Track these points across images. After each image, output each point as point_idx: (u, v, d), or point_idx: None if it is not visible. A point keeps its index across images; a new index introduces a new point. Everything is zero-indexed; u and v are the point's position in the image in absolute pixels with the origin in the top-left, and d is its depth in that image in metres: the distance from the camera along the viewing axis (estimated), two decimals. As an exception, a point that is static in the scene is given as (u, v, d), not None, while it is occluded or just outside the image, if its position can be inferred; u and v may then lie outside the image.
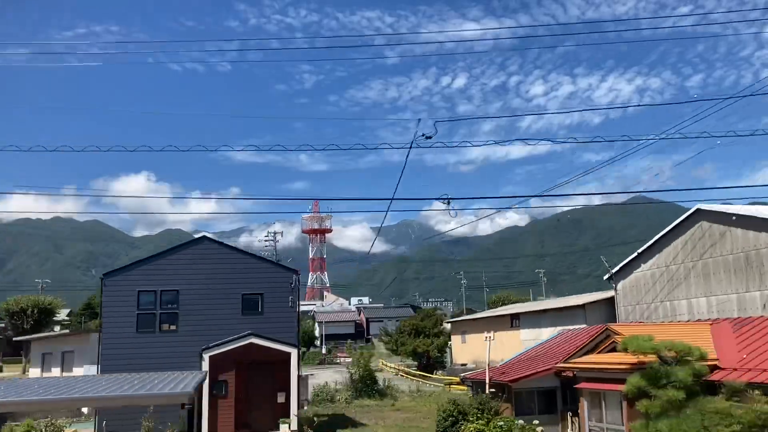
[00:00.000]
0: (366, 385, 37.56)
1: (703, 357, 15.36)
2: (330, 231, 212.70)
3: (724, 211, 28.74)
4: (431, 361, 51.24)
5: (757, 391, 14.04)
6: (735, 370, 16.27)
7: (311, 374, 51.84)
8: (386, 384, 39.42)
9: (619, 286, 35.27)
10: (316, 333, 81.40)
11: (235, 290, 24.46)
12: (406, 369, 51.82)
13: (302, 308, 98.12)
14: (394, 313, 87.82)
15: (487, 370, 22.58)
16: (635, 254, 34.36)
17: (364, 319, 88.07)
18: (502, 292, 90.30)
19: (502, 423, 19.07)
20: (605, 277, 37.19)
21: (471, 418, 20.08)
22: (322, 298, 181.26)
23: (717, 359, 17.09)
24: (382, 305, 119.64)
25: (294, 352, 23.34)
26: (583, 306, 37.54)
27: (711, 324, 21.54)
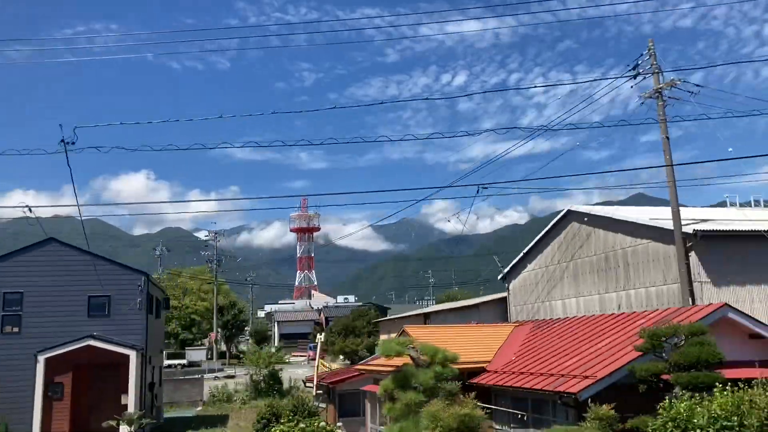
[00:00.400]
0: (269, 385, 37.71)
1: (450, 359, 15.41)
2: (318, 229, 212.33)
3: (587, 212, 28.81)
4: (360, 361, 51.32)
5: (472, 394, 14.12)
6: (496, 372, 16.36)
7: (234, 374, 51.98)
8: (292, 384, 39.59)
9: (511, 286, 35.36)
10: (276, 332, 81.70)
11: (81, 292, 24.65)
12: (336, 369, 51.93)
13: (268, 309, 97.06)
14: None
15: (315, 373, 22.76)
16: (521, 254, 34.43)
17: (324, 319, 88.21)
18: (455, 291, 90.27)
19: (303, 425, 19.19)
20: (499, 277, 37.29)
21: (283, 420, 20.19)
22: (309, 296, 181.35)
23: (488, 361, 17.16)
24: (361, 304, 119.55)
25: (133, 354, 23.53)
26: (477, 306, 37.70)
27: (517, 325, 21.57)
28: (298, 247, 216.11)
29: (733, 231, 22.74)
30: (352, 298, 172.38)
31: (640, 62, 25.09)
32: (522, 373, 15.19)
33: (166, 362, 58.21)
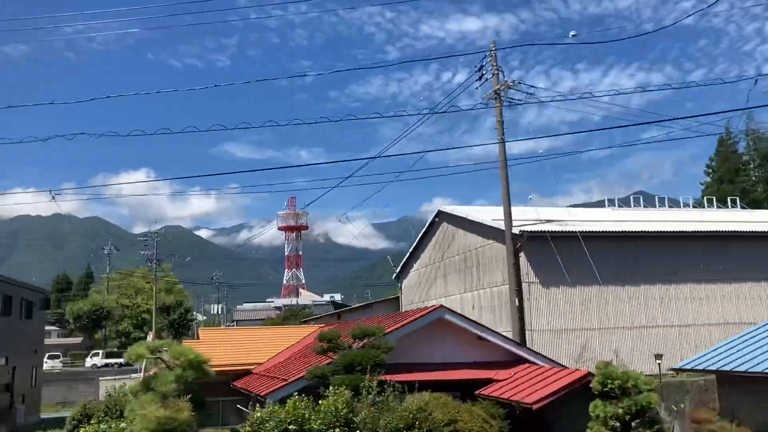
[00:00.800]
0: (167, 384, 37.71)
1: (199, 362, 15.49)
2: (306, 228, 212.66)
3: (450, 212, 28.83)
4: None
5: (189, 396, 14.20)
6: (254, 374, 16.50)
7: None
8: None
9: (403, 284, 35.43)
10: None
11: None
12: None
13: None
14: (317, 311, 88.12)
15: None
16: (408, 254, 34.49)
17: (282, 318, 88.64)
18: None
19: (104, 426, 19.29)
20: (393, 276, 37.35)
21: (93, 422, 20.25)
22: (297, 295, 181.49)
23: (258, 364, 17.25)
24: (327, 302, 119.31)
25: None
26: (371, 305, 37.89)
27: (322, 327, 21.57)
28: (285, 245, 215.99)
29: (557, 232, 22.74)
30: (338, 297, 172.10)
31: (484, 63, 25.03)
32: (267, 376, 15.28)
33: (105, 361, 58.38)
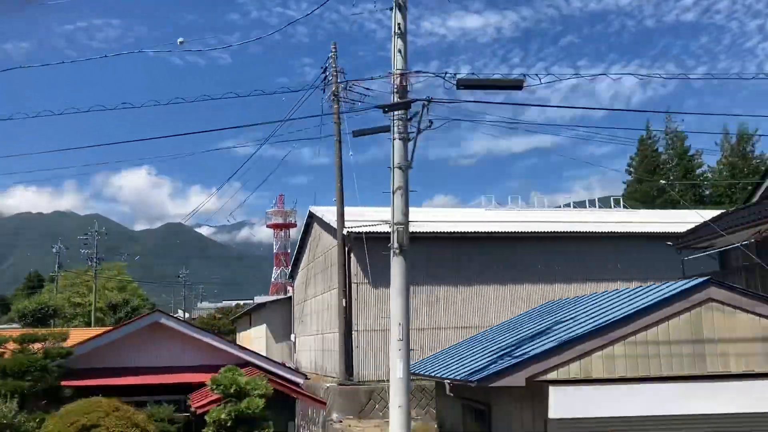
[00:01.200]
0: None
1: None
2: (294, 226, 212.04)
3: (315, 212, 28.88)
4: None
5: None
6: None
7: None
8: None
9: (295, 284, 35.54)
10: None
11: None
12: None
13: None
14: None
15: None
16: (295, 254, 34.56)
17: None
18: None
19: None
20: (287, 277, 37.43)
21: None
22: (285, 292, 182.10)
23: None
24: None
25: None
26: (264, 304, 38.11)
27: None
28: (274, 243, 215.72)
29: (387, 233, 22.64)
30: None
31: (327, 65, 25.09)
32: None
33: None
